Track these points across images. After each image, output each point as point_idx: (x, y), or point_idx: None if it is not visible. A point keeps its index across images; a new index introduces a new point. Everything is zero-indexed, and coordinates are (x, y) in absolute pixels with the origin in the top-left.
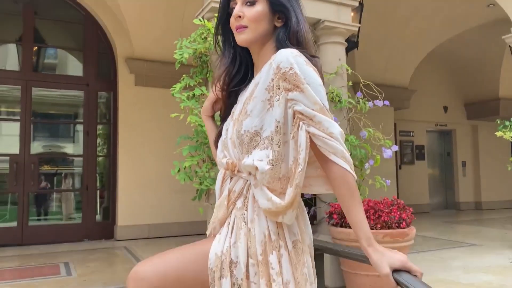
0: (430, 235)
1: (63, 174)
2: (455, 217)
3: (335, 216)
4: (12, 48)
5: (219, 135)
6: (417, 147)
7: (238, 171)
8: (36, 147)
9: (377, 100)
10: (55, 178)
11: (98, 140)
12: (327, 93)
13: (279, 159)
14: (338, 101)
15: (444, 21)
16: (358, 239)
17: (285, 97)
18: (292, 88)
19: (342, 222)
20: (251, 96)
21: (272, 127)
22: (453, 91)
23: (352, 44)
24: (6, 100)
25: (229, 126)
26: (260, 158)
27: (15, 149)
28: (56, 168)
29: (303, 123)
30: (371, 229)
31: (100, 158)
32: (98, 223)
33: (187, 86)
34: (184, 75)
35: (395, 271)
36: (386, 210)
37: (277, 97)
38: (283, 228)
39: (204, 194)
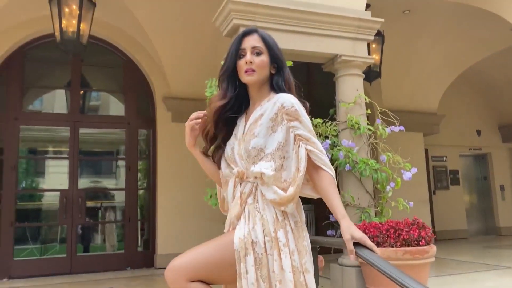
0: (465, 259)
1: (107, 208)
2: (495, 242)
3: None
4: (61, 93)
5: (218, 154)
6: (451, 172)
7: (246, 178)
8: (83, 182)
9: (393, 126)
10: (99, 212)
11: (139, 175)
12: (345, 121)
13: (280, 169)
14: (358, 128)
15: (469, 45)
16: (337, 215)
17: (287, 125)
18: (293, 120)
19: None
20: (256, 123)
21: (274, 146)
22: (486, 114)
23: (375, 74)
24: (56, 140)
25: (235, 144)
26: (266, 167)
27: (64, 185)
28: (101, 202)
29: (302, 142)
30: (391, 247)
31: (141, 191)
32: (139, 253)
33: None
34: None
35: (357, 246)
36: (406, 229)
37: (281, 125)
38: (286, 213)
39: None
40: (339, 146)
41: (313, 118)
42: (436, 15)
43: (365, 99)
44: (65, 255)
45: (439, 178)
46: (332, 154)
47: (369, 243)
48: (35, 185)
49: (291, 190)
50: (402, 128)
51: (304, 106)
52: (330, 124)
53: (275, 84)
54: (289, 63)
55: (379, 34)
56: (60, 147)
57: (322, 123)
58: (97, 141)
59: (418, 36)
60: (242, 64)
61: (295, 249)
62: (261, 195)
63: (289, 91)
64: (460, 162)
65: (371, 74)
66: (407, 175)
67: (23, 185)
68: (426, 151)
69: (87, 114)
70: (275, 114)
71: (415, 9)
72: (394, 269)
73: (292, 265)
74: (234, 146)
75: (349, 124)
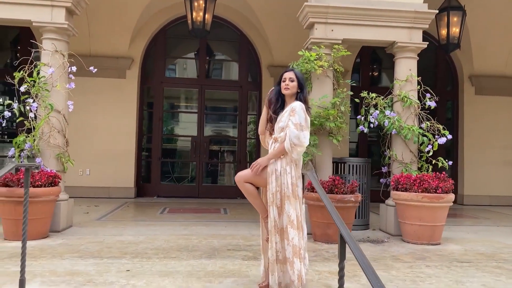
0: None
1: (224, 151)
2: None
3: (392, 183)
4: (192, 62)
5: (268, 124)
6: None
7: (276, 140)
8: (207, 131)
9: (432, 101)
10: (219, 154)
11: (248, 127)
12: (398, 95)
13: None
14: (407, 101)
15: None
16: (268, 155)
17: (290, 116)
18: (293, 115)
19: (397, 187)
20: (282, 117)
21: (285, 125)
22: None
23: (453, 45)
24: (189, 98)
25: (277, 125)
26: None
27: (194, 132)
28: (220, 147)
29: (288, 127)
30: (415, 192)
31: (252, 140)
32: None
33: None
34: None
35: (308, 171)
36: (429, 181)
37: (290, 117)
38: (293, 160)
39: (305, 164)
40: (386, 116)
41: (370, 93)
42: None
43: (416, 77)
44: (194, 184)
45: None
46: (379, 121)
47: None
48: (174, 132)
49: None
50: (432, 104)
51: (307, 109)
52: (383, 98)
53: (298, 97)
54: (348, 53)
55: (460, 8)
56: (192, 103)
57: (377, 97)
58: (218, 99)
59: None
60: (283, 85)
61: (294, 175)
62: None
63: (304, 101)
64: None
65: (449, 46)
66: (442, 140)
67: (165, 131)
68: None
69: (210, 78)
70: (290, 111)
71: None
72: (319, 187)
73: (291, 182)
74: (276, 126)
75: (399, 98)
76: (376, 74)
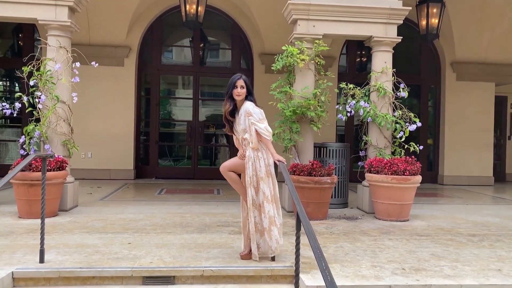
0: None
1: (219, 135)
2: None
3: (366, 166)
4: (187, 50)
5: (231, 129)
6: None
7: (245, 139)
8: (202, 116)
9: (401, 92)
10: (213, 138)
11: None
12: (374, 86)
13: (250, 135)
14: (381, 91)
15: None
16: (271, 152)
17: (248, 117)
18: (249, 115)
19: (370, 169)
20: (239, 118)
21: (246, 126)
22: None
23: (432, 35)
24: (183, 84)
25: (238, 127)
26: (247, 136)
27: (189, 117)
28: (214, 131)
29: (253, 125)
30: (385, 175)
31: None
32: None
33: (280, 84)
34: (279, 78)
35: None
36: (398, 164)
37: (246, 118)
38: (260, 148)
39: (288, 149)
40: (360, 105)
41: (348, 84)
42: None
43: (391, 69)
44: (190, 166)
45: None
46: (355, 111)
47: (282, 159)
48: (170, 116)
49: (253, 143)
50: (403, 94)
51: (257, 106)
52: (359, 89)
53: (248, 98)
54: (327, 48)
55: (440, 0)
56: (187, 89)
57: (354, 87)
58: (212, 85)
59: None
60: (235, 92)
61: (266, 157)
62: (248, 144)
63: (252, 101)
64: None
65: (429, 36)
66: (412, 127)
67: (162, 116)
68: (505, 98)
69: (205, 65)
70: (244, 113)
71: None
72: (287, 175)
73: (264, 163)
74: (235, 126)
75: (375, 88)
76: (364, 60)
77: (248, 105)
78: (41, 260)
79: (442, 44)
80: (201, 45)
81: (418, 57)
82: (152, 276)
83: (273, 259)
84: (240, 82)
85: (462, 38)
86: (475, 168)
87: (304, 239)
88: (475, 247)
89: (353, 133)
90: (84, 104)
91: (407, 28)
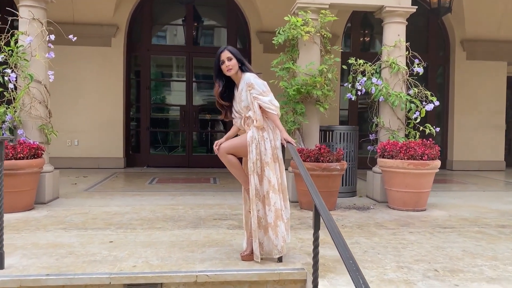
0: None
1: (214, 120)
2: None
3: (378, 151)
4: (180, 29)
5: (229, 113)
6: None
7: (248, 118)
8: (196, 100)
9: (419, 67)
10: (209, 123)
11: None
12: (386, 61)
13: (254, 113)
14: (394, 67)
15: None
16: (280, 129)
17: (250, 90)
18: (251, 88)
19: (384, 154)
20: (240, 94)
21: (248, 102)
22: None
23: (444, 9)
24: (177, 65)
25: (239, 105)
26: (250, 113)
27: (182, 101)
28: (210, 116)
29: (256, 99)
30: (401, 159)
31: None
32: None
33: (282, 61)
34: (281, 53)
35: (288, 143)
36: (415, 148)
37: (248, 92)
38: (265, 128)
39: (292, 132)
40: (373, 83)
41: (357, 59)
42: None
43: (405, 43)
44: (184, 154)
45: None
46: (366, 89)
47: (291, 140)
48: (162, 101)
49: (258, 121)
50: (419, 69)
51: (258, 75)
52: (370, 64)
53: (243, 70)
54: (335, 18)
55: None
56: (180, 71)
57: (364, 63)
58: (207, 67)
59: None
60: (224, 67)
61: (272, 139)
62: (252, 123)
63: (249, 71)
64: None
65: (440, 10)
66: (429, 106)
67: (154, 100)
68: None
69: (198, 45)
70: (245, 86)
71: None
72: (298, 158)
73: (271, 146)
74: (236, 106)
75: (387, 64)
76: (367, 39)
77: (249, 76)
78: (0, 266)
79: (451, 21)
80: (195, 23)
81: (425, 35)
82: (135, 284)
83: (279, 260)
84: (225, 54)
85: (473, 14)
86: (485, 153)
87: (307, 234)
88: (511, 241)
89: (356, 117)
90: (69, 88)
91: (412, 3)
